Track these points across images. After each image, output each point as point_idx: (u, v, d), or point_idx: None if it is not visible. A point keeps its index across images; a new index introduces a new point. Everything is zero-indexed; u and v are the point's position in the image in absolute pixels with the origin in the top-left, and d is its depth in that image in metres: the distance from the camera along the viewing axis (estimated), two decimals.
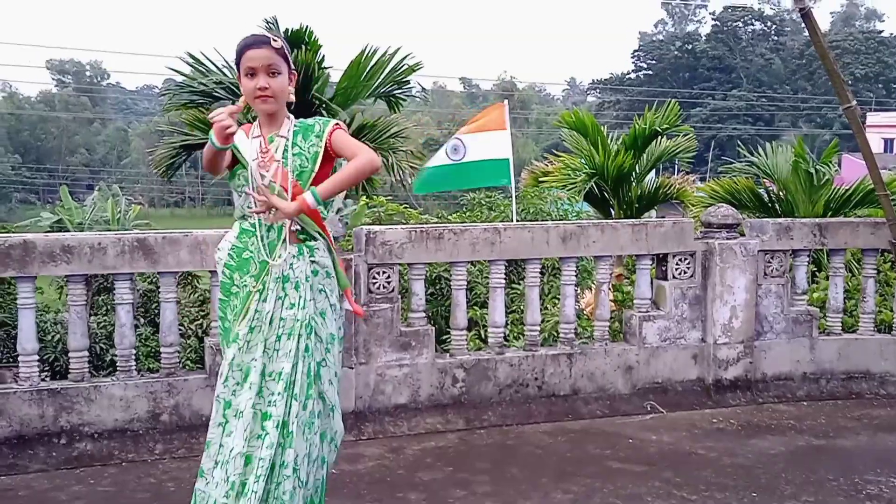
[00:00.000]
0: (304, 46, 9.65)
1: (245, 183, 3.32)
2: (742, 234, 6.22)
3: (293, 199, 3.24)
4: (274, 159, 3.31)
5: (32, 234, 4.97)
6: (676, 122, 11.12)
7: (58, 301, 11.06)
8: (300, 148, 3.34)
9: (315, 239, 3.39)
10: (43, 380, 5.09)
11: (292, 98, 3.38)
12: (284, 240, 3.31)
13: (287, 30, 9.90)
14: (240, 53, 3.29)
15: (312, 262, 3.36)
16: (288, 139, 3.34)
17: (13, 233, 8.20)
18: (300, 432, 3.26)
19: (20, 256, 4.79)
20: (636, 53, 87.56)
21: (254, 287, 3.30)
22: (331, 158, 3.38)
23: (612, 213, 11.43)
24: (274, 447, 3.19)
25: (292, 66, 3.37)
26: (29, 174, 72.47)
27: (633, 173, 11.27)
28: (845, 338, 6.44)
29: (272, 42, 3.26)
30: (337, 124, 3.38)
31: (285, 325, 3.28)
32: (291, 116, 3.43)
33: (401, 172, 10.30)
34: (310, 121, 3.43)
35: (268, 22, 10.09)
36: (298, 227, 3.34)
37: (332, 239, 3.49)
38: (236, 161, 3.37)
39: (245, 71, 3.27)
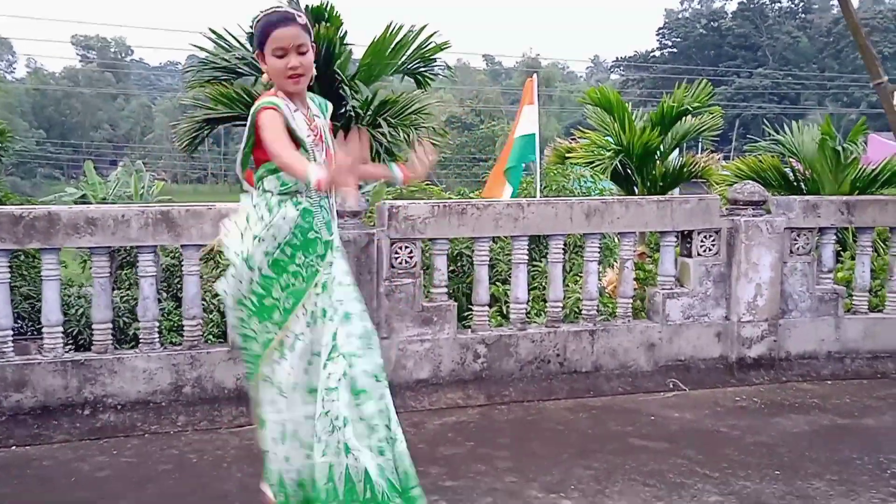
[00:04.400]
0: (325, 22, 9.61)
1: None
2: (768, 212, 6.15)
3: None
4: (322, 139, 3.30)
5: (57, 206, 4.99)
6: (707, 101, 11.01)
7: (81, 275, 11.14)
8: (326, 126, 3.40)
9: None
10: (67, 351, 5.12)
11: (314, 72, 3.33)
12: (334, 217, 3.37)
13: (307, 6, 9.86)
14: (265, 32, 3.17)
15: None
16: (325, 119, 3.37)
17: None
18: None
19: (45, 228, 4.81)
20: (661, 31, 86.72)
21: (321, 266, 3.29)
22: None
23: (636, 191, 11.34)
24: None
25: (312, 39, 3.29)
26: (53, 149, 73.03)
27: (659, 151, 11.17)
28: (872, 317, 6.37)
29: (298, 18, 3.18)
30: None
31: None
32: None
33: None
34: (316, 98, 3.44)
35: None
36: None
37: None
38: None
39: (273, 51, 3.17)
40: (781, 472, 4.30)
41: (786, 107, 68.35)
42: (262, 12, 3.24)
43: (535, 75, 10.53)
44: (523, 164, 11.19)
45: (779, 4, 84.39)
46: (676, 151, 12.37)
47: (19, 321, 10.64)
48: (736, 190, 6.18)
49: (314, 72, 3.29)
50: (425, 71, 10.84)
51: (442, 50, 10.53)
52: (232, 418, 5.00)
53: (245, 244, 3.27)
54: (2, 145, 12.77)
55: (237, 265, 3.28)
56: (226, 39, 10.29)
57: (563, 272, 5.96)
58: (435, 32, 10.33)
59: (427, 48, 10.42)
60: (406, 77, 11.06)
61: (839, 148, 9.42)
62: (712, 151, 12.99)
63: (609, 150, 10.91)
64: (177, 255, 8.63)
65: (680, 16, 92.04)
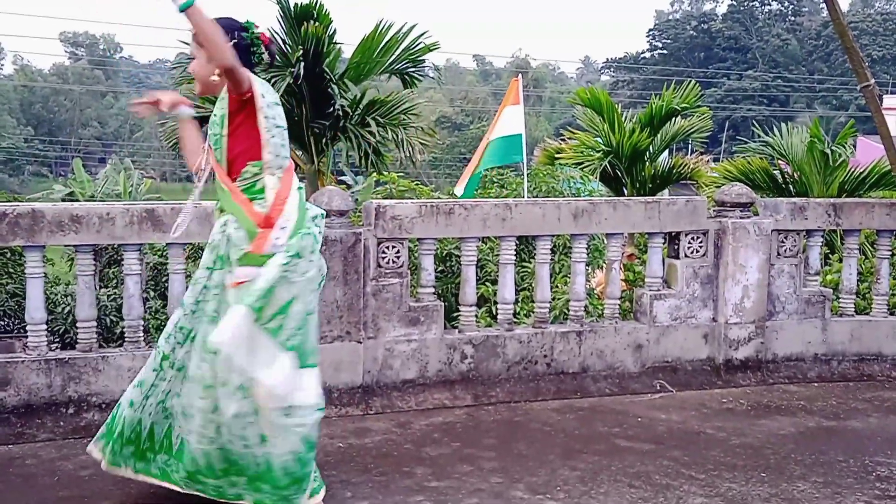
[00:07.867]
0: (314, 20, 9.59)
1: None
2: (756, 214, 6.16)
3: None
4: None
5: (41, 204, 4.97)
6: (695, 102, 11.05)
7: (68, 273, 11.07)
8: (214, 116, 3.41)
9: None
10: (51, 350, 5.09)
11: (216, 78, 3.40)
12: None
13: (297, 4, 9.83)
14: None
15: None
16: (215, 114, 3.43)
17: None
18: None
19: (29, 225, 4.77)
20: (651, 32, 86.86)
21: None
22: (242, 110, 3.39)
23: (625, 192, 11.37)
24: None
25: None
26: (41, 147, 72.67)
27: (648, 152, 11.20)
28: (858, 319, 6.38)
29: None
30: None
31: None
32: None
33: (410, 148, 10.26)
34: None
35: None
36: None
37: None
38: None
39: None
40: (767, 473, 4.30)
41: (775, 109, 68.59)
42: None
43: (520, 76, 10.54)
44: (510, 165, 11.19)
45: (769, 7, 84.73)
46: (666, 153, 12.41)
47: (5, 318, 10.60)
48: (723, 192, 6.18)
49: (214, 78, 3.41)
50: (414, 71, 10.83)
51: (431, 51, 10.54)
52: None
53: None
54: None
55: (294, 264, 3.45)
56: None
57: (551, 273, 5.95)
58: (424, 33, 10.35)
59: (416, 49, 10.41)
60: (394, 76, 11.05)
61: (827, 150, 9.46)
62: (702, 153, 13.04)
63: (598, 151, 10.93)
64: (165, 253, 8.59)
65: (670, 17, 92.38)
